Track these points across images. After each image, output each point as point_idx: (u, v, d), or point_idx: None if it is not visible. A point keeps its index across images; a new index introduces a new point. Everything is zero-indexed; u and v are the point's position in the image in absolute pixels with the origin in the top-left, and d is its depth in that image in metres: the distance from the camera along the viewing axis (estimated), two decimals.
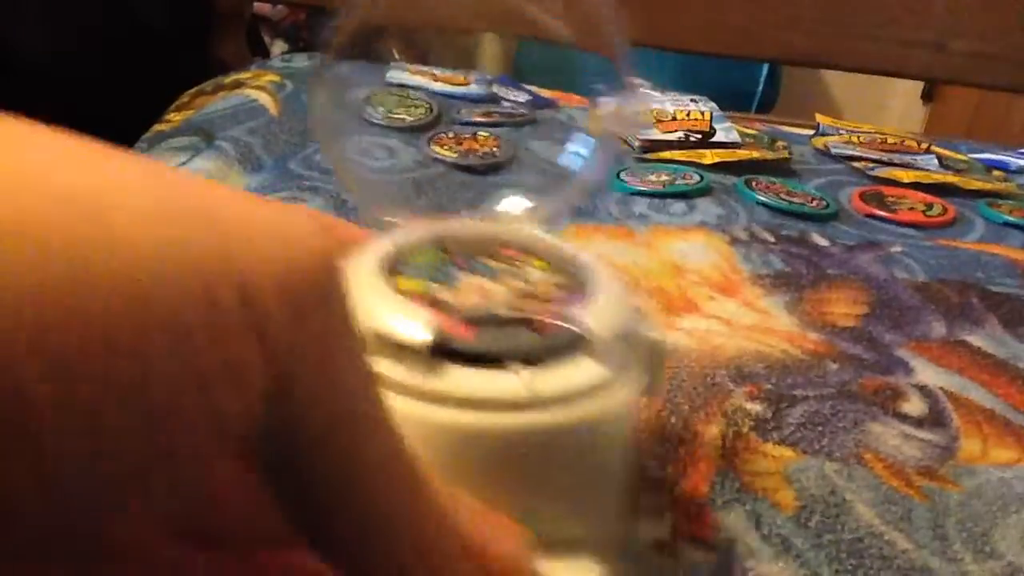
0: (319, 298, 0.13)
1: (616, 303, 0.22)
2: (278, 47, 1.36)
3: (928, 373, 0.37)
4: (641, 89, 0.26)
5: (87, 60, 0.62)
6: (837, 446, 0.32)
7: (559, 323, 0.20)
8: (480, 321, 0.20)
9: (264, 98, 0.60)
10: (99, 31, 0.64)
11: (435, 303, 0.20)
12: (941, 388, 0.36)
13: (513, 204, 0.28)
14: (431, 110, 0.61)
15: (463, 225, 0.25)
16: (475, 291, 0.21)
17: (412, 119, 0.59)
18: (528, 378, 0.19)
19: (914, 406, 0.34)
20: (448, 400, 0.19)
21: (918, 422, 0.34)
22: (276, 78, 0.63)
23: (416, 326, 0.19)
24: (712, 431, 0.31)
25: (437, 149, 0.54)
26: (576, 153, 0.28)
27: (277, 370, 0.12)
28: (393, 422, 0.14)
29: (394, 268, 0.22)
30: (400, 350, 0.19)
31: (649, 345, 0.23)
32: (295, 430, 0.13)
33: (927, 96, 1.69)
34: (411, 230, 0.24)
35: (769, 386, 0.34)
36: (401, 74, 0.66)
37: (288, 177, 0.49)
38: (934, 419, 0.34)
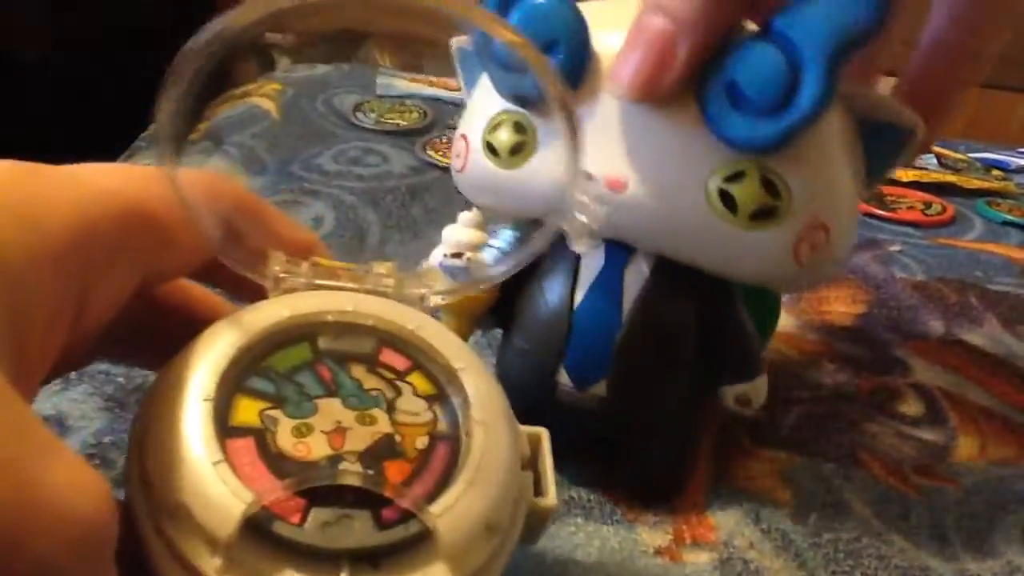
0: None
1: (490, 476, 0.17)
2: (283, 64, 1.36)
3: (925, 372, 0.37)
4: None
5: (87, 60, 0.62)
6: (833, 447, 0.32)
7: (407, 510, 0.16)
8: (316, 489, 0.16)
9: (267, 104, 0.60)
10: (99, 31, 0.64)
11: (267, 454, 0.17)
12: (938, 387, 0.36)
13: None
14: (425, 115, 0.60)
15: (351, 301, 0.20)
16: (324, 436, 0.17)
17: (406, 123, 0.58)
18: None
19: (911, 406, 0.35)
20: None
21: (915, 421, 0.34)
22: (278, 86, 0.64)
23: (226, 505, 0.15)
24: (706, 437, 0.31)
25: (432, 154, 0.53)
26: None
27: None
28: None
29: (245, 372, 0.18)
30: (201, 530, 0.15)
31: (533, 512, 0.19)
32: None
33: None
34: (283, 305, 0.19)
35: None
36: (391, 81, 0.66)
37: (290, 179, 0.50)
38: (931, 418, 0.34)
